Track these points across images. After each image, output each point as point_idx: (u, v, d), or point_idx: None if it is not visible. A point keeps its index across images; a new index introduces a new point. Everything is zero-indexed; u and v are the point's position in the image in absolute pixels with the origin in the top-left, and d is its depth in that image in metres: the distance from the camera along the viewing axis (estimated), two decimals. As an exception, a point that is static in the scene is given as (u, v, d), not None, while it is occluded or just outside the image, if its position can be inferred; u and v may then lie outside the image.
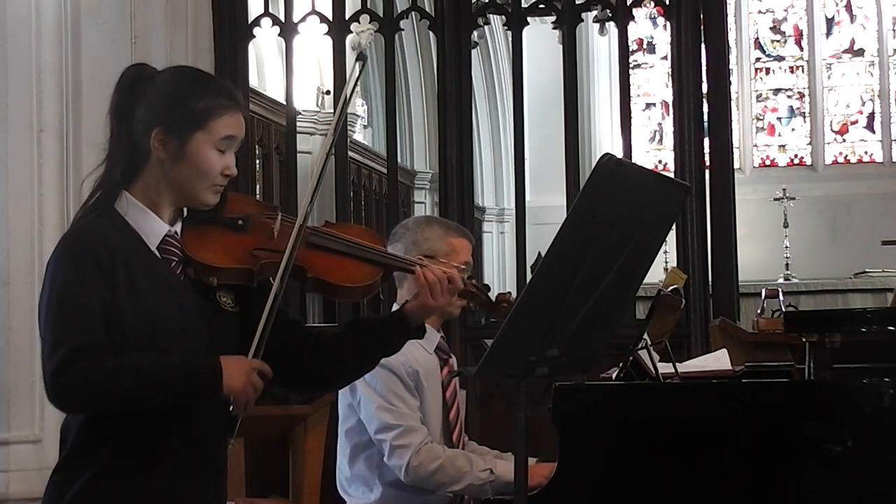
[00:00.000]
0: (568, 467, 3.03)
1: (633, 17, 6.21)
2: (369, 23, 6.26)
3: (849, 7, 13.49)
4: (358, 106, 10.70)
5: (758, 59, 13.69)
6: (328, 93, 8.69)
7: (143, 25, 5.17)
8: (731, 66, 7.45)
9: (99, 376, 2.16)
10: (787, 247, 11.91)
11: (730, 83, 6.37)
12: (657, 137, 13.61)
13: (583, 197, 2.27)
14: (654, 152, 13.47)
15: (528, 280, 3.58)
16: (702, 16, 5.95)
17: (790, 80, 13.62)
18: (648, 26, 13.49)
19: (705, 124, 5.95)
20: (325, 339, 2.51)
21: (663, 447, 3.01)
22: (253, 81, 7.19)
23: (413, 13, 6.45)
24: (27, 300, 4.78)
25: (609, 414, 3.10)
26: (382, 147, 8.54)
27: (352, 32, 6.24)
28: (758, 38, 13.69)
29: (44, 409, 4.80)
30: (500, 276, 12.45)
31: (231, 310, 2.37)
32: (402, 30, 6.60)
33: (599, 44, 12.56)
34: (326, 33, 6.24)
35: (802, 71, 13.59)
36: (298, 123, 6.56)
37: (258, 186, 7.83)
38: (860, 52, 13.46)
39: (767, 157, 13.58)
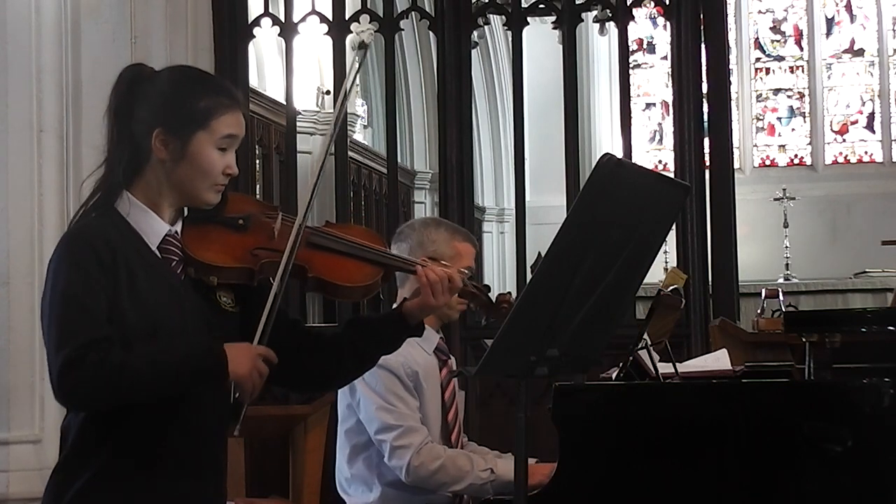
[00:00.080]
0: (568, 467, 3.03)
1: (633, 17, 6.22)
2: (369, 23, 6.25)
3: (849, 7, 13.49)
4: (358, 106, 10.71)
5: (758, 59, 13.69)
6: (328, 93, 8.69)
7: (143, 25, 5.17)
8: (731, 66, 7.45)
9: (106, 370, 2.16)
10: (787, 247, 11.92)
11: (730, 83, 6.37)
12: (657, 137, 13.61)
13: (583, 197, 2.27)
14: (654, 152, 13.47)
15: (528, 280, 3.58)
16: (702, 16, 5.95)
17: (790, 80, 13.62)
18: (648, 26, 13.49)
19: (705, 124, 5.95)
20: (324, 338, 2.51)
21: (663, 447, 3.01)
22: (253, 81, 7.20)
23: (413, 13, 6.46)
24: (27, 300, 4.78)
25: (609, 414, 3.10)
26: (382, 147, 8.54)
27: (352, 32, 6.24)
28: (758, 38, 13.69)
29: (44, 409, 4.80)
30: (500, 276, 12.45)
31: (231, 310, 2.38)
32: (402, 30, 6.61)
33: (599, 44, 12.56)
34: (326, 33, 6.24)
35: (802, 71, 13.59)
36: (298, 123, 6.56)
37: (258, 186, 7.83)
38: (860, 52, 13.46)
39: (767, 157, 13.58)
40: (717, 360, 4.13)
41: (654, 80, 13.60)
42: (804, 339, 3.83)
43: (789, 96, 13.63)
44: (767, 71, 13.68)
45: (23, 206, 4.88)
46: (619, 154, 4.27)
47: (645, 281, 2.55)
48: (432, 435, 3.36)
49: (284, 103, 6.42)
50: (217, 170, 2.33)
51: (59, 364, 2.18)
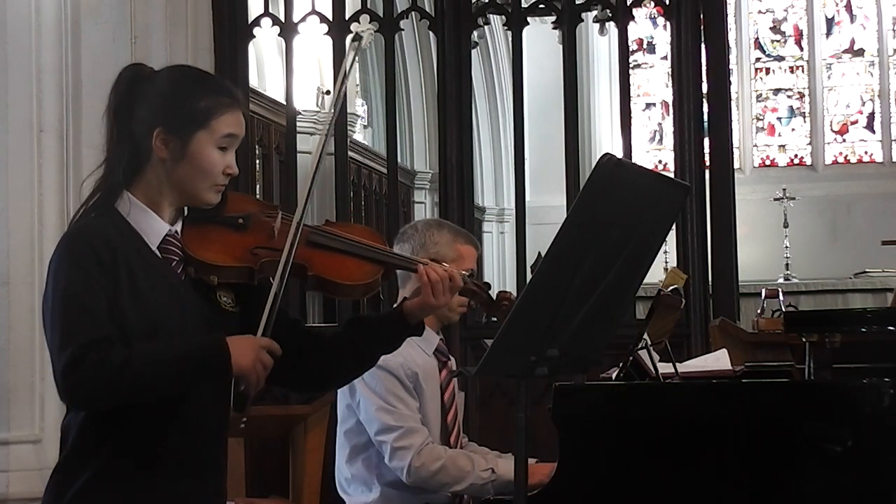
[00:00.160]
0: (568, 467, 3.03)
1: (633, 17, 6.22)
2: (369, 23, 6.26)
3: (849, 7, 13.49)
4: (358, 106, 10.71)
5: (758, 59, 13.69)
6: (328, 93, 8.69)
7: (143, 25, 5.17)
8: (731, 66, 7.45)
9: (109, 368, 2.16)
10: (787, 247, 11.92)
11: (730, 83, 6.37)
12: (657, 137, 13.61)
13: (583, 197, 2.27)
14: (654, 152, 13.47)
15: (528, 280, 3.58)
16: (702, 16, 5.96)
17: (790, 80, 13.63)
18: (648, 26, 13.49)
19: (705, 124, 5.95)
20: (324, 338, 2.51)
21: (663, 447, 3.01)
22: (253, 81, 7.20)
23: (413, 13, 6.46)
24: (27, 300, 4.78)
25: (609, 414, 3.10)
26: (382, 147, 8.54)
27: (352, 32, 6.24)
28: (758, 38, 13.69)
29: (44, 409, 4.80)
30: (500, 276, 12.45)
31: (231, 309, 2.38)
32: (402, 30, 6.61)
33: (599, 44, 12.56)
34: (326, 33, 6.24)
35: (802, 71, 13.59)
36: (298, 123, 6.56)
37: (258, 186, 7.83)
38: (860, 52, 13.46)
39: (767, 157, 13.58)
40: (717, 360, 4.14)
41: (654, 80, 13.60)
42: (804, 339, 3.83)
43: (789, 96, 13.63)
44: (767, 71, 13.68)
45: (23, 206, 4.88)
46: (619, 154, 4.28)
47: (645, 281, 2.55)
48: (432, 436, 3.36)
49: (284, 103, 6.42)
50: (217, 169, 2.33)
51: (61, 365, 2.18)
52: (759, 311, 6.57)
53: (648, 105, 13.67)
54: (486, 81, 12.77)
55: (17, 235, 4.88)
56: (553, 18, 6.24)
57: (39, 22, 4.96)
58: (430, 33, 6.51)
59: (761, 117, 13.63)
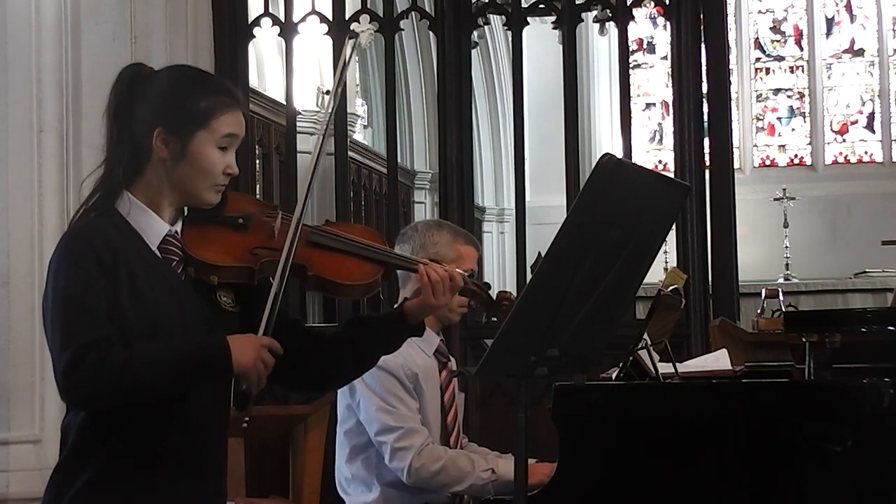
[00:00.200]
0: (568, 467, 3.03)
1: (633, 17, 6.22)
2: (369, 23, 6.26)
3: (849, 7, 13.49)
4: (358, 106, 10.71)
5: (758, 59, 13.69)
6: (328, 93, 8.69)
7: (143, 25, 5.17)
8: (731, 66, 7.45)
9: (110, 368, 2.16)
10: (787, 247, 11.91)
11: (730, 83, 6.37)
12: (657, 137, 13.61)
13: (583, 197, 2.27)
14: (654, 152, 13.47)
15: (528, 280, 3.58)
16: (702, 16, 5.96)
17: (790, 80, 13.62)
18: (648, 26, 13.49)
19: (705, 124, 5.95)
20: (324, 338, 2.51)
21: (663, 447, 3.01)
22: (253, 81, 7.20)
23: (413, 13, 6.46)
24: (27, 300, 4.78)
25: (609, 414, 3.10)
26: (382, 147, 8.54)
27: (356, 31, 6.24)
28: (758, 38, 13.69)
29: (44, 409, 4.80)
30: (500, 276, 12.45)
31: (231, 309, 2.38)
32: (402, 30, 6.61)
33: (599, 44, 12.56)
34: (326, 33, 6.24)
35: (802, 71, 13.59)
36: (298, 123, 6.56)
37: (258, 186, 7.84)
38: (860, 52, 13.46)
39: (767, 157, 13.58)
40: (717, 360, 4.13)
41: (654, 80, 13.60)
42: (804, 339, 3.83)
43: (789, 96, 13.63)
44: (767, 71, 13.68)
45: (23, 206, 4.88)
46: (619, 154, 4.28)
47: (645, 281, 2.55)
48: (432, 437, 3.36)
49: (284, 103, 6.42)
50: (217, 169, 2.33)
51: (62, 365, 2.18)
52: (759, 311, 6.57)
53: (648, 105, 13.67)
54: (486, 81, 12.77)
55: (17, 235, 4.88)
56: (553, 18, 6.24)
57: (39, 22, 4.96)
58: (430, 33, 6.51)
59: (761, 117, 13.63)
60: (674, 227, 5.36)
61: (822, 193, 12.89)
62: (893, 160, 13.30)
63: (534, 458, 3.25)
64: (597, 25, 10.85)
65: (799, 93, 13.59)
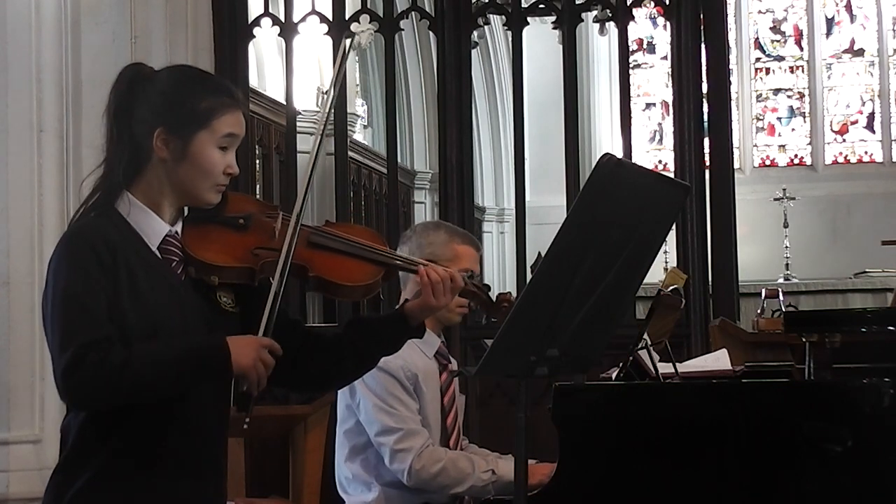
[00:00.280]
0: (568, 467, 3.03)
1: (633, 17, 6.22)
2: (369, 23, 6.26)
3: (849, 7, 13.49)
4: (358, 106, 10.71)
5: (758, 59, 13.69)
6: (328, 92, 8.68)
7: (143, 25, 5.17)
8: (731, 66, 7.45)
9: (110, 369, 2.16)
10: (787, 247, 11.92)
11: (730, 83, 6.37)
12: (657, 137, 13.61)
13: (583, 197, 2.27)
14: (654, 152, 13.47)
15: (528, 280, 3.58)
16: (702, 16, 5.96)
17: (790, 80, 13.63)
18: (648, 26, 13.49)
19: (705, 124, 5.95)
20: (325, 339, 2.51)
21: (663, 447, 3.01)
22: (253, 81, 7.20)
23: (413, 13, 6.46)
24: (27, 300, 4.78)
25: (609, 414, 3.10)
26: (382, 147, 8.54)
27: (352, 32, 6.24)
28: (758, 38, 13.69)
29: (44, 409, 4.80)
30: (500, 276, 12.45)
31: (231, 310, 2.38)
32: (402, 30, 6.61)
33: (599, 44, 12.56)
34: (326, 33, 6.24)
35: (802, 71, 13.59)
36: (298, 123, 6.56)
37: (258, 186, 7.84)
38: (860, 52, 13.46)
39: (767, 157, 13.58)
40: (717, 360, 4.13)
41: (654, 80, 13.60)
42: (804, 339, 3.83)
43: (789, 96, 13.63)
44: (767, 71, 13.68)
45: (23, 206, 4.88)
46: (619, 154, 4.28)
47: (645, 281, 2.55)
48: (431, 439, 3.36)
49: (284, 103, 6.42)
50: (218, 169, 2.33)
51: (62, 366, 2.18)
52: (759, 311, 6.56)
53: (648, 105, 13.67)
54: (486, 81, 12.77)
55: (17, 235, 4.88)
56: (553, 18, 6.24)
57: (39, 22, 4.96)
58: (430, 33, 6.51)
59: (761, 117, 13.63)
60: (674, 227, 5.36)
61: (822, 193, 12.90)
62: (893, 160, 13.30)
63: (534, 459, 3.26)
64: (597, 25, 10.85)
65: (799, 93, 13.59)
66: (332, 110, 2.52)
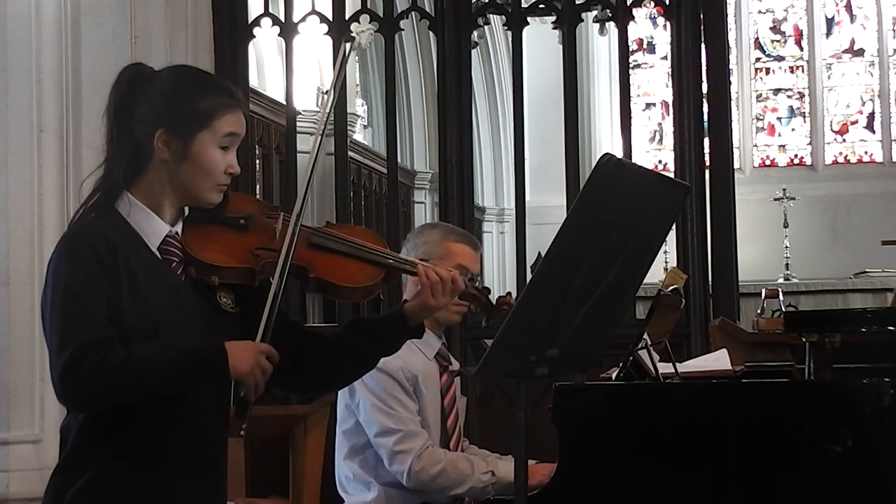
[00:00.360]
0: (568, 467, 3.03)
1: (633, 17, 6.22)
2: (369, 23, 6.26)
3: (849, 7, 13.49)
4: (358, 106, 10.70)
5: (758, 59, 13.69)
6: (328, 93, 8.68)
7: (143, 25, 5.17)
8: (731, 66, 7.45)
9: (106, 371, 2.16)
10: (787, 247, 11.91)
11: (730, 83, 6.37)
12: (657, 137, 13.61)
13: (583, 197, 2.27)
14: (654, 152, 13.47)
15: (528, 280, 3.58)
16: (702, 16, 5.95)
17: (790, 80, 13.62)
18: (648, 26, 13.49)
19: (705, 124, 5.95)
20: (324, 339, 2.51)
21: (663, 447, 3.01)
22: (253, 81, 7.20)
23: (413, 13, 6.45)
24: (27, 300, 4.78)
25: (609, 414, 3.10)
26: (382, 147, 8.54)
27: (352, 32, 6.24)
28: (758, 38, 13.69)
29: (44, 409, 4.80)
30: (500, 276, 12.45)
31: (231, 310, 2.38)
32: (402, 30, 6.60)
33: (599, 44, 12.56)
34: (326, 33, 6.24)
35: (802, 71, 13.59)
36: (298, 123, 6.56)
37: (258, 186, 7.84)
38: (860, 52, 13.46)
39: (767, 157, 13.58)
40: (717, 360, 4.13)
41: (654, 80, 13.60)
42: (804, 339, 3.83)
43: (789, 96, 13.63)
44: (767, 71, 13.68)
45: (23, 206, 4.88)
46: (619, 154, 4.28)
47: (645, 281, 2.55)
48: (431, 440, 3.36)
49: (284, 103, 6.42)
50: (219, 169, 2.33)
51: (60, 366, 2.18)
52: (759, 311, 6.56)
53: (648, 105, 13.67)
54: (486, 81, 12.77)
55: (17, 235, 4.88)
56: (553, 18, 6.24)
57: (39, 22, 4.96)
58: (430, 33, 6.51)
59: (761, 117, 13.63)
60: (674, 227, 5.36)
61: (822, 193, 12.90)
62: (893, 160, 13.30)
63: (534, 460, 3.26)
64: (597, 25, 10.85)
65: (799, 93, 13.59)
66: (332, 113, 2.51)
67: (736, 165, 7.27)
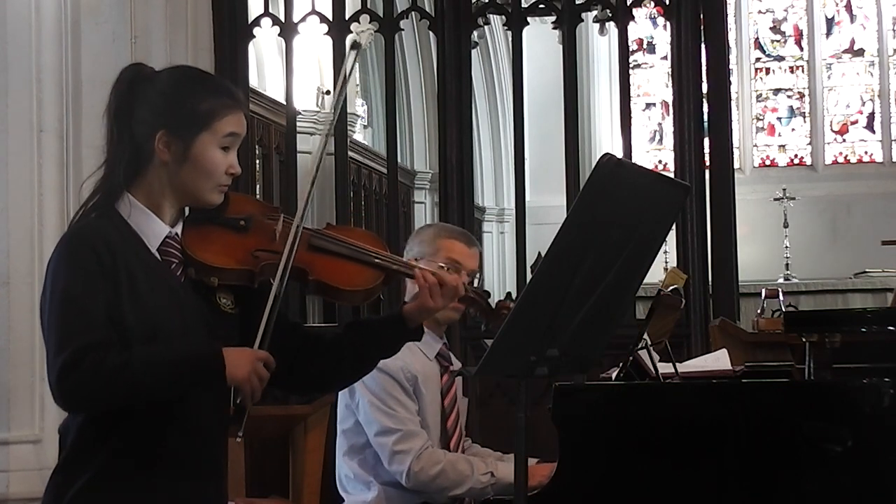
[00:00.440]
0: (568, 467, 3.03)
1: (633, 17, 6.21)
2: (369, 23, 6.25)
3: (849, 7, 13.49)
4: (358, 106, 10.70)
5: (758, 59, 13.69)
6: (328, 93, 8.70)
7: (143, 25, 5.17)
8: (731, 66, 7.45)
9: (104, 373, 2.16)
10: (787, 247, 11.91)
11: (730, 83, 6.37)
12: (657, 137, 13.61)
13: (583, 197, 2.27)
14: (654, 152, 13.47)
15: (528, 280, 3.58)
16: (702, 16, 5.95)
17: (790, 80, 13.63)
18: (648, 26, 13.49)
19: (705, 124, 5.95)
20: (324, 341, 2.50)
21: (663, 447, 3.01)
22: (253, 81, 7.20)
23: (413, 13, 6.45)
24: (27, 300, 4.78)
25: (609, 414, 3.10)
26: (382, 147, 8.54)
27: (352, 32, 6.24)
28: (758, 38, 13.69)
29: (44, 409, 4.80)
30: (500, 276, 12.45)
31: (231, 311, 2.37)
32: (402, 30, 6.60)
33: (599, 44, 12.56)
34: (326, 33, 6.23)
35: (802, 71, 13.59)
36: (298, 123, 6.56)
37: (258, 186, 7.84)
38: (860, 52, 13.46)
39: (767, 157, 13.58)
40: (717, 360, 4.13)
41: (654, 80, 13.60)
42: (804, 339, 3.83)
43: (789, 96, 13.63)
44: (767, 71, 13.68)
45: (23, 206, 4.88)
46: (619, 154, 4.27)
47: (645, 281, 2.55)
48: (431, 441, 3.36)
49: (284, 103, 6.42)
50: (220, 170, 2.33)
51: (57, 368, 2.17)
52: (759, 311, 6.56)
53: (648, 105, 13.67)
54: (486, 81, 12.77)
55: (17, 235, 4.88)
56: (553, 18, 6.24)
57: (39, 22, 4.96)
58: (430, 33, 6.51)
59: (761, 117, 13.63)
60: (674, 227, 5.36)
61: (822, 193, 12.90)
62: (893, 160, 13.30)
63: (535, 459, 3.26)
64: (597, 25, 10.85)
65: (799, 93, 13.59)
66: (334, 117, 2.50)
67: (736, 165, 7.27)
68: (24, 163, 4.90)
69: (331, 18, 6.20)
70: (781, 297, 6.73)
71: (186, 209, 2.39)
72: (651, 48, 13.72)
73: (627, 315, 4.75)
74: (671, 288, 3.90)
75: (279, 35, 6.28)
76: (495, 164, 12.98)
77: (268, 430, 4.71)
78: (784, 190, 12.19)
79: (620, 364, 3.50)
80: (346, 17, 6.21)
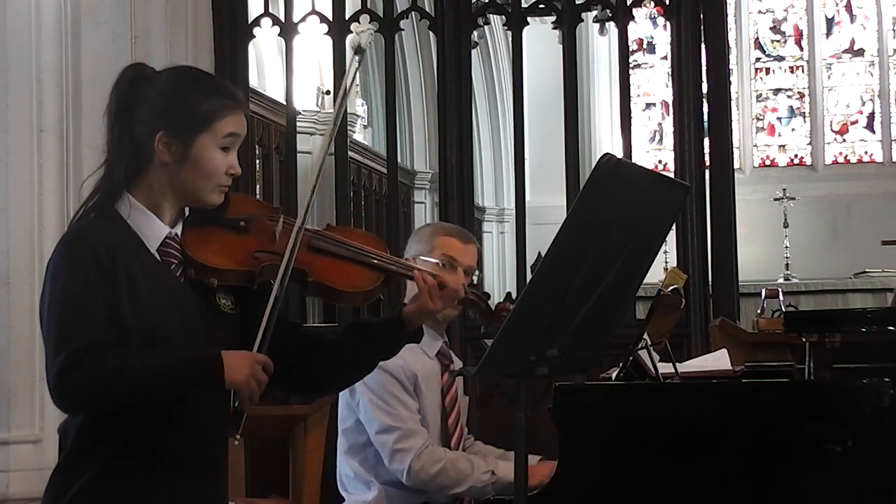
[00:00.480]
0: (568, 467, 3.03)
1: (633, 17, 6.21)
2: (369, 23, 6.25)
3: (849, 7, 13.49)
4: (358, 106, 10.70)
5: (758, 59, 13.69)
6: (328, 93, 8.70)
7: (143, 25, 5.17)
8: (731, 66, 7.45)
9: (103, 374, 2.16)
10: (787, 247, 11.91)
11: (730, 83, 6.36)
12: (657, 137, 13.61)
13: (583, 197, 2.27)
14: (654, 152, 13.48)
15: (528, 280, 3.58)
16: (702, 16, 5.95)
17: (790, 80, 13.63)
18: (648, 26, 13.49)
19: (705, 124, 5.95)
20: (323, 342, 2.50)
21: (663, 447, 3.01)
22: (253, 81, 7.20)
23: (413, 13, 6.45)
24: (27, 300, 4.78)
25: (609, 414, 3.10)
26: (382, 147, 8.54)
27: (352, 32, 6.24)
28: (758, 38, 13.69)
29: (44, 409, 4.80)
30: (500, 276, 12.45)
31: (230, 312, 2.37)
32: (402, 30, 6.60)
33: (599, 44, 12.56)
34: (326, 33, 6.23)
35: (802, 71, 13.59)
36: (298, 123, 6.56)
37: (258, 186, 7.84)
38: (860, 52, 13.46)
39: (767, 157, 13.58)
40: (717, 360, 4.13)
41: (654, 80, 13.60)
42: (804, 339, 3.83)
43: (789, 96, 13.63)
44: (767, 71, 13.68)
45: (23, 206, 4.88)
46: (619, 154, 4.27)
47: (645, 281, 2.55)
48: (432, 439, 3.36)
49: (284, 103, 6.41)
50: (220, 171, 2.32)
51: (56, 368, 2.17)
52: (759, 311, 6.56)
53: (648, 105, 13.67)
54: (486, 81, 12.77)
55: (17, 235, 4.88)
56: (553, 18, 6.24)
57: (39, 22, 4.96)
58: (430, 33, 6.50)
59: (761, 117, 13.63)
60: (674, 227, 5.35)
61: (822, 193, 12.90)
62: (893, 160, 13.30)
63: (537, 456, 3.26)
64: (597, 25, 10.85)
65: (799, 93, 13.59)
66: (337, 122, 2.50)
67: (736, 165, 7.27)
68: (24, 163, 4.90)
69: (331, 18, 6.20)
70: (781, 297, 6.73)
71: (186, 209, 2.39)
72: (651, 48, 13.72)
73: (627, 315, 4.75)
74: (671, 288, 3.90)
75: (279, 35, 6.28)
76: (495, 164, 12.99)
77: (268, 430, 4.71)
78: (784, 190, 12.20)
79: (620, 364, 3.50)
80: (346, 17, 6.20)
